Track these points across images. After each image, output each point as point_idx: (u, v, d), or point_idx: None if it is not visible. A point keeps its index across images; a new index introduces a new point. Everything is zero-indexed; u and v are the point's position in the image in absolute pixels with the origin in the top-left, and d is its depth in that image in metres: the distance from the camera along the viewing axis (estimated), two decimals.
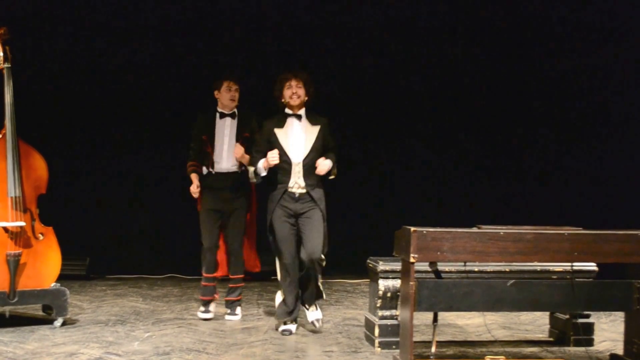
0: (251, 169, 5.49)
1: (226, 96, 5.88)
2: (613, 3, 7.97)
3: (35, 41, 8.09)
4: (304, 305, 5.63)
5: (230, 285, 6.12)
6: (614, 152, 7.93)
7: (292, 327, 5.51)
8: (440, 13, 8.67)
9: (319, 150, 5.39)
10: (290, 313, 5.51)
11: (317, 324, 5.59)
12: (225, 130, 5.89)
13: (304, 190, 5.36)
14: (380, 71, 8.75)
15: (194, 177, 5.93)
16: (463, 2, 8.65)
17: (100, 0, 8.35)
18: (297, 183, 5.36)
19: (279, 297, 5.63)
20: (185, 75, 8.36)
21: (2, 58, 5.53)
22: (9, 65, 5.55)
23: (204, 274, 6.10)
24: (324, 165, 5.30)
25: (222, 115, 5.91)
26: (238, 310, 6.10)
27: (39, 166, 5.67)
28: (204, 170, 5.92)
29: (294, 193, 5.36)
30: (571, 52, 8.34)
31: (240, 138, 5.87)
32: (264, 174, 5.41)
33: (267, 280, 7.73)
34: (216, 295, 6.14)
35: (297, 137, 5.39)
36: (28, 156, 5.61)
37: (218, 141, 5.87)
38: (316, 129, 5.41)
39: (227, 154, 5.86)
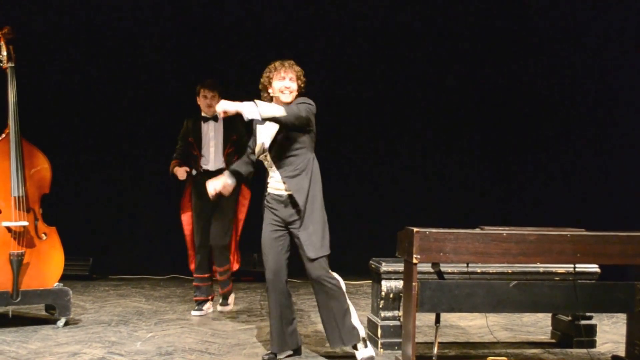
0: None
1: (203, 103, 6.08)
2: (615, 6, 7.98)
3: (38, 41, 8.10)
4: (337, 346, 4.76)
5: (219, 277, 6.22)
6: (617, 154, 7.92)
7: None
8: (442, 13, 8.67)
9: (288, 135, 4.62)
10: (274, 343, 4.78)
11: None
12: (210, 133, 6.09)
13: (285, 192, 4.65)
14: (383, 71, 8.75)
15: (177, 167, 6.05)
16: (463, 3, 8.67)
17: (103, 2, 8.36)
18: (273, 177, 4.70)
19: None
20: (188, 78, 8.36)
21: (5, 57, 5.55)
22: (13, 65, 5.56)
23: (196, 275, 6.23)
24: (221, 106, 4.48)
25: (205, 120, 6.10)
26: (230, 299, 6.27)
27: (43, 166, 5.67)
28: (193, 171, 6.10)
29: (279, 196, 4.67)
30: (574, 52, 8.34)
31: (228, 141, 6.06)
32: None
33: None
34: (211, 297, 6.25)
35: (269, 133, 4.71)
36: (31, 156, 5.62)
37: (204, 144, 6.09)
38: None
39: (213, 156, 6.07)
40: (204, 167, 6.10)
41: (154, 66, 8.48)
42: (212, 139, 6.08)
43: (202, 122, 6.12)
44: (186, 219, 6.29)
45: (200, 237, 6.17)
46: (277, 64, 4.75)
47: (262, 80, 4.79)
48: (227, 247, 6.19)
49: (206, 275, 6.23)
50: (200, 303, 6.20)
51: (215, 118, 6.07)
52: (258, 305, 6.73)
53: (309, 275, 4.67)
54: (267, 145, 4.70)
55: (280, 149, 4.66)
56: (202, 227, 6.15)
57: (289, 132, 4.62)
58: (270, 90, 4.75)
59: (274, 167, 4.69)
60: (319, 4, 8.59)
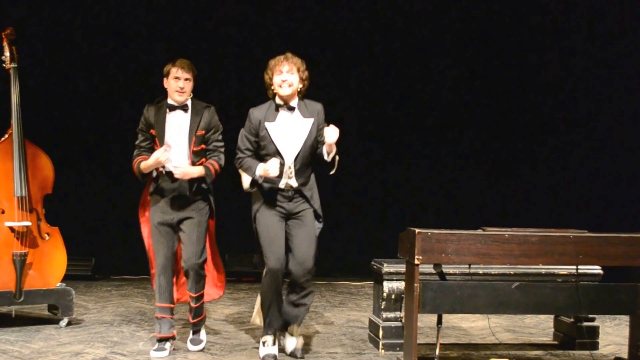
0: (246, 178, 4.76)
1: (173, 86, 4.88)
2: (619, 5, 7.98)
3: (41, 41, 8.11)
4: (285, 329, 4.89)
5: (193, 305, 5.03)
6: (620, 155, 7.92)
7: (274, 349, 4.80)
8: (444, 14, 8.68)
9: (312, 146, 4.72)
10: (272, 329, 4.80)
11: (298, 354, 4.84)
12: (177, 126, 4.90)
13: (291, 188, 4.72)
14: (385, 71, 8.74)
15: (145, 160, 4.88)
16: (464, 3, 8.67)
17: (108, 2, 8.37)
18: (288, 184, 4.72)
19: (257, 308, 4.97)
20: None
21: (8, 58, 5.55)
22: (16, 66, 5.57)
23: (159, 304, 4.94)
24: (333, 132, 4.57)
25: (172, 108, 4.91)
26: (203, 334, 5.13)
27: (45, 166, 5.69)
28: (153, 173, 4.93)
29: (286, 191, 4.72)
30: (575, 53, 8.34)
31: (192, 136, 4.88)
32: (260, 182, 4.70)
33: None
34: (174, 332, 5.03)
35: (289, 133, 4.69)
36: (34, 156, 5.63)
37: (168, 139, 4.87)
38: (309, 123, 4.71)
39: (177, 155, 4.87)
40: (166, 167, 4.88)
41: (160, 68, 8.47)
42: (177, 133, 4.89)
43: (167, 112, 4.91)
44: (147, 230, 5.10)
45: (164, 256, 4.90)
46: (274, 59, 4.75)
47: (265, 79, 4.79)
48: (203, 266, 4.98)
49: (171, 306, 4.99)
50: (162, 341, 4.94)
51: (184, 107, 4.91)
52: None
53: (303, 265, 4.68)
54: (294, 155, 4.69)
55: (304, 159, 4.73)
56: (164, 244, 4.89)
57: (313, 143, 4.73)
58: (273, 88, 4.75)
59: (292, 173, 4.71)
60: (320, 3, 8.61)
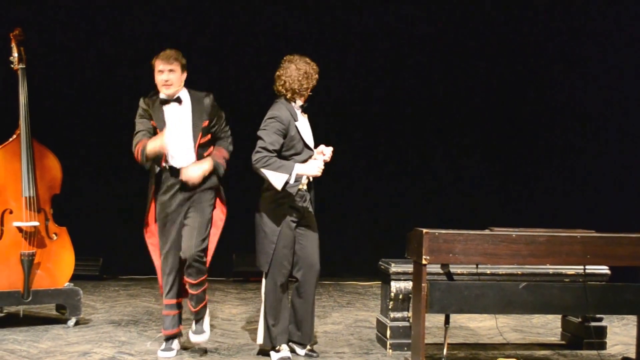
0: (275, 177, 4.57)
1: (158, 80, 4.78)
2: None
3: (49, 41, 8.13)
4: (297, 350, 4.91)
5: (192, 291, 4.85)
6: (627, 154, 7.89)
7: (287, 353, 4.80)
8: (447, 15, 8.67)
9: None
10: (285, 333, 4.82)
11: (313, 355, 4.92)
12: (177, 119, 4.78)
13: (305, 187, 4.78)
14: (390, 73, 8.74)
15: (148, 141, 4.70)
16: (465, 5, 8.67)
17: (113, 3, 8.39)
18: (307, 178, 4.77)
19: (261, 328, 4.85)
20: (201, 80, 8.36)
21: (16, 59, 5.57)
22: (24, 66, 5.59)
23: (167, 301, 4.93)
24: (328, 151, 4.79)
25: (164, 102, 4.80)
26: (206, 324, 4.93)
27: (53, 166, 5.71)
28: (156, 168, 4.85)
29: (304, 191, 4.77)
30: (581, 53, 8.32)
31: (198, 129, 4.78)
32: (292, 181, 4.62)
33: None
34: (180, 327, 5.03)
35: (307, 130, 4.84)
36: (42, 156, 5.65)
37: (170, 132, 4.72)
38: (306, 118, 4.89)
39: (179, 149, 4.75)
40: (170, 160, 4.78)
41: None
42: (177, 127, 4.74)
43: (162, 106, 4.80)
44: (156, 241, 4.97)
45: (173, 257, 4.85)
46: (311, 69, 4.76)
47: (293, 86, 4.72)
48: (203, 257, 4.80)
49: (178, 301, 4.97)
50: (169, 340, 4.94)
51: (178, 100, 4.79)
52: None
53: (314, 267, 4.79)
54: (313, 146, 4.83)
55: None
56: (173, 242, 4.82)
57: None
58: (304, 93, 4.77)
59: None
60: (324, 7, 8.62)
